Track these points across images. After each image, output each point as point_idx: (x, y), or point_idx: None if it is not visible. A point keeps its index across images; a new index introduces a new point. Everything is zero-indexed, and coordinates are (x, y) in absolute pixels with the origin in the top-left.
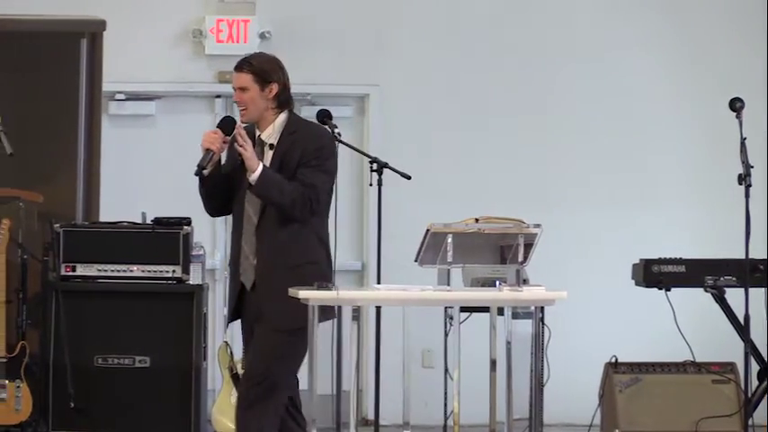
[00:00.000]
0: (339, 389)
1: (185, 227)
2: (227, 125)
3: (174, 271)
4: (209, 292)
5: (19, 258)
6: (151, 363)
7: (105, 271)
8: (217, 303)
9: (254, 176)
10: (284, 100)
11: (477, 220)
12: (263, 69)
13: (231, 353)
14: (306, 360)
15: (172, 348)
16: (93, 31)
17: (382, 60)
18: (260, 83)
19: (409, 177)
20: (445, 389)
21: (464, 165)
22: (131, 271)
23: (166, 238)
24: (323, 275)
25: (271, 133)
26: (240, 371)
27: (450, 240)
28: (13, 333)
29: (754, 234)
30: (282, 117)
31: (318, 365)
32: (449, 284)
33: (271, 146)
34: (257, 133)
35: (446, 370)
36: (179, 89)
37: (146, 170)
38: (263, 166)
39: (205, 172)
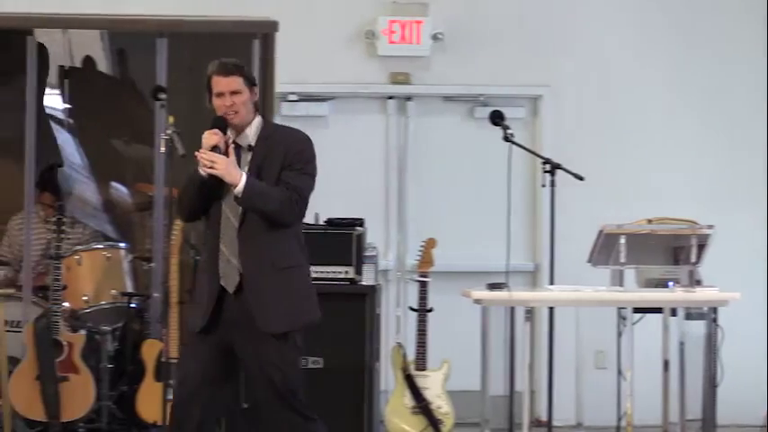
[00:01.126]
0: (512, 390)
1: (358, 228)
2: (220, 125)
3: (347, 272)
4: (381, 293)
5: (192, 259)
6: (324, 363)
7: None
8: (389, 304)
9: (238, 189)
10: (257, 104)
11: (649, 221)
12: (250, 72)
13: (404, 354)
14: (480, 360)
15: (345, 349)
16: (265, 33)
17: (554, 61)
18: (249, 86)
19: (582, 178)
20: (618, 389)
21: (637, 165)
22: None
23: (339, 238)
24: (309, 279)
25: (248, 135)
26: (414, 372)
27: (623, 241)
28: (186, 334)
29: None
30: (258, 120)
31: (491, 366)
32: (621, 285)
33: (249, 147)
34: (230, 136)
35: (619, 371)
36: (351, 90)
37: (318, 171)
38: (246, 176)
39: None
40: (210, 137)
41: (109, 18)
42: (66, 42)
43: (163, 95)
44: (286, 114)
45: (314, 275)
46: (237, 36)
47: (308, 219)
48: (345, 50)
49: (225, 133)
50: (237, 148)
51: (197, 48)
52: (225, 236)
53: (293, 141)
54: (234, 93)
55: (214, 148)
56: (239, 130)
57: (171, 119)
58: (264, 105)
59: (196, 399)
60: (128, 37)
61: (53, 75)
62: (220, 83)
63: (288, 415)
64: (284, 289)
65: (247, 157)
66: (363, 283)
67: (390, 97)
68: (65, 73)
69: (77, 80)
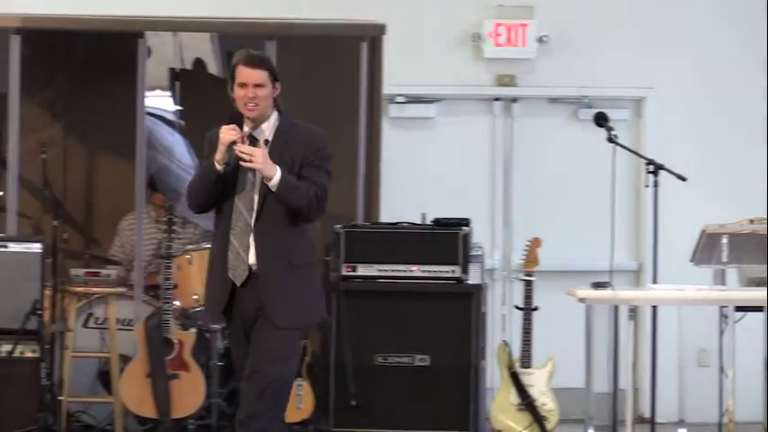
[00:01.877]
0: (616, 387)
1: (464, 227)
2: (238, 120)
3: (453, 271)
4: (487, 292)
5: None
6: (431, 361)
7: (385, 271)
8: (495, 303)
9: (273, 183)
10: (277, 99)
11: (751, 221)
12: (274, 67)
13: (510, 352)
14: (584, 358)
15: (451, 347)
16: (373, 35)
17: (658, 62)
18: (272, 80)
19: (685, 179)
20: (720, 387)
21: (739, 166)
22: (411, 271)
23: (446, 238)
24: (320, 277)
25: (264, 130)
26: (519, 369)
27: (725, 241)
28: None
29: None
30: (275, 115)
31: (595, 364)
32: (724, 284)
33: (266, 141)
34: (246, 130)
35: (721, 368)
36: (458, 92)
37: (425, 172)
38: (280, 171)
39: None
40: (228, 132)
41: (219, 21)
42: (176, 45)
43: None
44: (394, 116)
45: (421, 274)
46: (345, 39)
47: (415, 219)
48: (452, 53)
49: (241, 129)
50: (253, 141)
51: (305, 50)
52: (236, 229)
53: (312, 138)
54: (257, 86)
55: (233, 146)
56: (256, 124)
57: None
58: (372, 107)
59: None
60: (237, 40)
61: (164, 77)
62: (245, 74)
63: (268, 413)
64: (299, 286)
65: (264, 151)
66: (469, 282)
67: (496, 99)
68: (175, 75)
69: (187, 82)
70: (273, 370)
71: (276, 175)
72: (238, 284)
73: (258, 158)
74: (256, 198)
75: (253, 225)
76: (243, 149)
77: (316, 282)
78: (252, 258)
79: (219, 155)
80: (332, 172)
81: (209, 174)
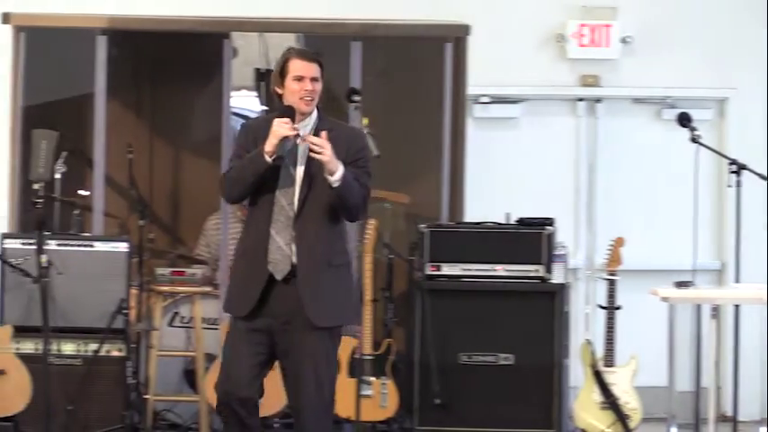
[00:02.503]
0: (699, 385)
1: (548, 227)
2: (291, 114)
3: (537, 270)
4: (571, 291)
5: (385, 258)
6: (515, 360)
7: (469, 270)
8: (579, 302)
9: (336, 178)
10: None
11: None
12: (323, 64)
13: (593, 350)
14: (666, 357)
15: (535, 346)
16: (457, 36)
17: (742, 63)
18: (322, 76)
19: (767, 179)
20: None
21: None
22: (495, 270)
23: (530, 238)
24: (353, 278)
25: (307, 125)
26: (602, 368)
27: None
28: (379, 331)
29: None
30: (316, 112)
31: (678, 363)
32: None
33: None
34: (298, 127)
35: None
36: (542, 92)
37: (509, 171)
38: (342, 166)
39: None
40: (283, 126)
41: (304, 21)
42: (262, 45)
43: (357, 98)
44: (478, 116)
45: (504, 274)
46: (430, 39)
47: (500, 218)
48: (536, 53)
49: (293, 121)
50: (296, 136)
51: (390, 51)
52: (277, 223)
53: (355, 138)
54: (313, 79)
55: (285, 141)
56: (304, 118)
57: (365, 121)
58: (456, 107)
59: (244, 384)
60: (322, 40)
61: (249, 77)
62: (302, 67)
63: (317, 414)
64: (337, 285)
65: (303, 147)
66: (553, 281)
67: (580, 99)
68: (261, 75)
69: None
70: (319, 376)
71: (339, 170)
72: (279, 279)
73: (328, 152)
74: (298, 193)
75: (294, 220)
76: (314, 140)
77: (351, 282)
78: (294, 254)
79: (270, 147)
80: (372, 173)
81: (257, 165)
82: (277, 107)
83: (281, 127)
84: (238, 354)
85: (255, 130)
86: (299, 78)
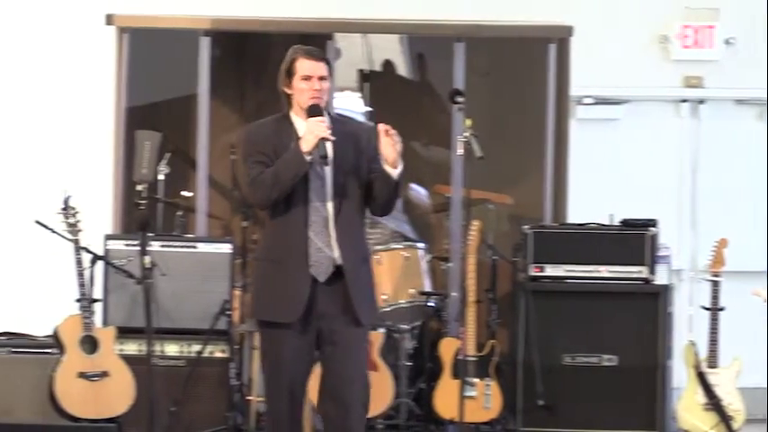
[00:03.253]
0: None
1: (652, 228)
2: (321, 112)
3: (640, 271)
4: (674, 292)
5: (489, 259)
6: (619, 361)
7: (573, 271)
8: (682, 303)
9: (398, 171)
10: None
11: None
12: (330, 62)
13: (696, 352)
14: None
15: (638, 347)
16: (560, 37)
17: None
18: (330, 74)
19: None
20: None
21: None
22: (599, 271)
23: (633, 239)
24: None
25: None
26: (705, 369)
27: None
28: (483, 332)
29: None
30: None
31: None
32: None
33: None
34: (296, 128)
35: None
36: (645, 94)
37: (613, 172)
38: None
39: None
40: (320, 125)
41: (408, 23)
42: (366, 46)
43: (460, 99)
44: (581, 117)
45: (608, 275)
46: (533, 40)
47: (603, 219)
48: (639, 55)
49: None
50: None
51: (493, 52)
52: (314, 225)
53: (369, 133)
54: (322, 78)
55: (323, 141)
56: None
57: (468, 122)
58: (559, 109)
59: (298, 390)
60: (426, 41)
61: (353, 78)
62: (309, 66)
63: (363, 411)
64: (369, 281)
65: (328, 145)
66: (657, 282)
67: (683, 101)
68: (364, 76)
69: (377, 84)
70: (364, 374)
71: (400, 166)
72: (322, 281)
73: (399, 146)
74: (330, 193)
75: (332, 220)
76: (391, 132)
77: (371, 276)
78: (336, 254)
79: (308, 147)
80: None
81: (298, 166)
82: (281, 109)
83: (319, 127)
84: (294, 363)
85: (262, 135)
86: (307, 78)
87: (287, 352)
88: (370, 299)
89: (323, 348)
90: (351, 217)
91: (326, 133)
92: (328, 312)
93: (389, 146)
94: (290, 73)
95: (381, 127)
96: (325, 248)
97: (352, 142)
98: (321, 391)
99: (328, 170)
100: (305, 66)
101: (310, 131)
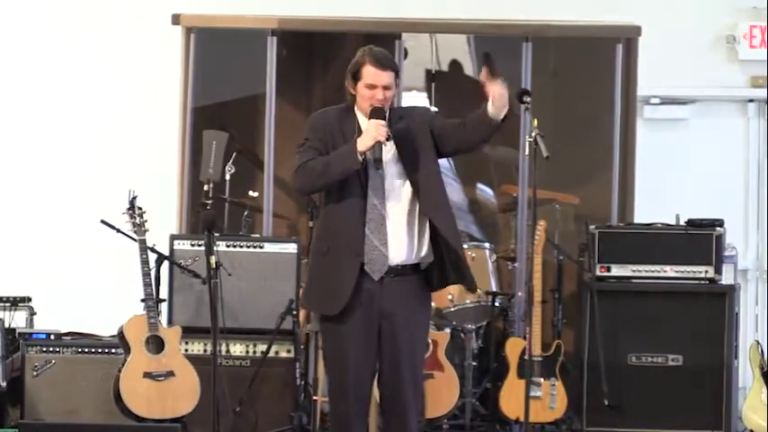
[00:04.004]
0: None
1: (718, 228)
2: (383, 115)
3: (706, 271)
4: (740, 292)
5: (555, 259)
6: (684, 361)
7: (639, 271)
8: (748, 303)
9: (502, 114)
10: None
11: None
12: (398, 68)
13: (762, 351)
14: None
15: (704, 347)
16: (628, 37)
17: None
18: (396, 81)
19: None
20: None
21: None
22: (665, 271)
23: (699, 239)
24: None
25: None
26: None
27: None
28: (548, 332)
29: None
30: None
31: None
32: None
33: (387, 136)
34: (358, 123)
35: None
36: (712, 94)
37: (679, 173)
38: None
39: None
40: (381, 130)
41: (475, 23)
42: (433, 46)
43: (527, 99)
44: (648, 117)
45: (674, 275)
46: (601, 40)
47: (669, 219)
48: (706, 54)
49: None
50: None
51: (560, 51)
52: (371, 222)
53: (425, 111)
54: (386, 87)
55: (380, 144)
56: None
57: (535, 122)
58: (626, 108)
59: (362, 388)
60: (493, 41)
61: (420, 78)
62: (375, 75)
63: (418, 407)
64: (422, 280)
65: (386, 146)
66: (723, 282)
67: (751, 100)
68: (431, 76)
69: (444, 83)
70: (419, 376)
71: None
72: (375, 278)
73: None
74: (389, 191)
75: (388, 218)
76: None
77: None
78: (392, 252)
79: (364, 147)
80: None
81: (349, 163)
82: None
83: (379, 130)
84: (357, 360)
85: (327, 124)
86: (372, 86)
87: (350, 349)
88: (423, 300)
89: (381, 347)
90: (409, 216)
91: (383, 138)
92: (385, 309)
93: (498, 87)
94: (355, 76)
95: (484, 72)
96: (381, 247)
97: (423, 124)
98: (379, 391)
99: (390, 169)
100: (370, 74)
101: (368, 132)
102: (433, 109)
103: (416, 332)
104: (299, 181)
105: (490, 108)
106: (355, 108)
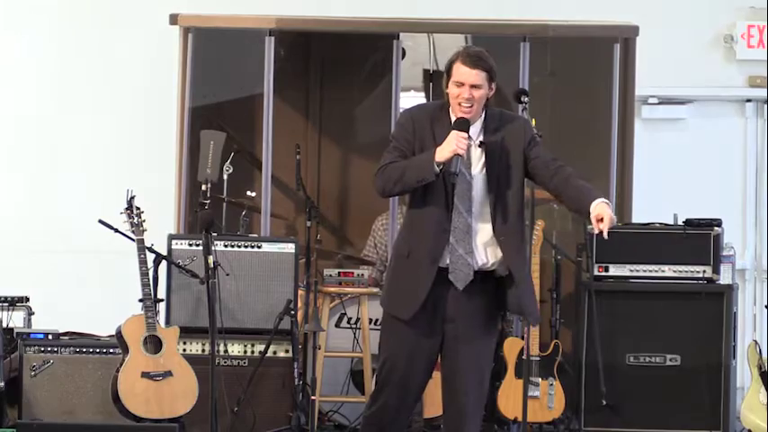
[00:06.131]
0: None
1: (716, 228)
2: (466, 127)
3: (704, 271)
4: (738, 292)
5: (553, 259)
6: (681, 361)
7: (637, 271)
8: (746, 303)
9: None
10: (490, 99)
11: None
12: (494, 69)
13: (760, 351)
14: None
15: (702, 347)
16: (626, 37)
17: None
18: (489, 82)
19: None
20: None
21: None
22: (662, 271)
23: (697, 239)
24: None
25: (475, 131)
26: None
27: None
28: (546, 332)
29: None
30: (483, 115)
31: None
32: None
33: (480, 143)
34: (472, 138)
35: None
36: (710, 93)
37: (677, 172)
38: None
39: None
40: (462, 142)
41: (473, 23)
42: (430, 46)
43: (525, 99)
44: (646, 117)
45: (672, 275)
46: (599, 40)
47: (667, 219)
48: (704, 54)
49: (468, 133)
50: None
51: (558, 51)
52: (456, 230)
53: (526, 126)
54: (474, 86)
55: (458, 157)
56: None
57: (533, 122)
58: (625, 108)
59: (411, 390)
60: (491, 41)
61: (418, 78)
62: (463, 73)
63: (478, 419)
64: (494, 293)
65: (477, 152)
66: (721, 282)
67: (748, 100)
68: (429, 76)
69: (442, 83)
70: (483, 386)
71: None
72: (460, 288)
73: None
74: (475, 200)
75: (474, 228)
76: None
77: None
78: (477, 263)
79: (443, 158)
80: None
81: (424, 173)
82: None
83: (460, 142)
84: (411, 361)
85: (419, 121)
86: (459, 84)
87: (407, 349)
88: (493, 312)
89: (444, 354)
90: (500, 225)
91: (463, 151)
92: (456, 318)
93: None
94: (448, 74)
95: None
96: (466, 256)
97: (520, 139)
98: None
99: (477, 179)
100: (460, 71)
101: (449, 143)
102: (533, 127)
103: (481, 348)
104: (379, 184)
105: (593, 218)
106: (449, 108)
